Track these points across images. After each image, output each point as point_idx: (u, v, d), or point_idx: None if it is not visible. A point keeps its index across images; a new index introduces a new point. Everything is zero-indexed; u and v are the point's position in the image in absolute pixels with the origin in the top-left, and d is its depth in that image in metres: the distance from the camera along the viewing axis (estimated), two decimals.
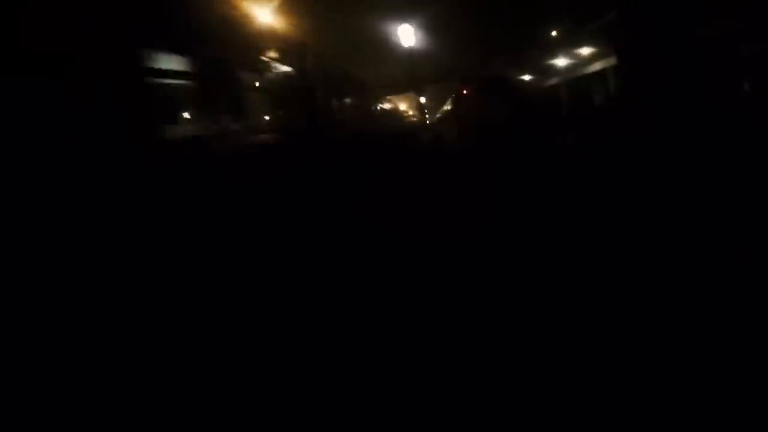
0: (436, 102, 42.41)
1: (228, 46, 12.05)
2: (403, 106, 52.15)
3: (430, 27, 25.34)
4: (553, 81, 27.30)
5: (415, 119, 47.39)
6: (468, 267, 5.15)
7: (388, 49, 25.99)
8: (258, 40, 14.35)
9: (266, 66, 15.20)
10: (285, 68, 16.67)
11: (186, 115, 10.15)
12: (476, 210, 6.07)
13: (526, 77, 26.70)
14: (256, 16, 14.06)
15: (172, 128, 9.01)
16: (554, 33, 26.36)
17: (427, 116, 41.99)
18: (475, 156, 6.66)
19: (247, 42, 13.56)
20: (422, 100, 40.19)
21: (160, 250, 5.51)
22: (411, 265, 5.49)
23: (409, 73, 27.52)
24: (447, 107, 31.03)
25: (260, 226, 7.01)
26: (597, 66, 23.87)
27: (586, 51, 23.46)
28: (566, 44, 24.74)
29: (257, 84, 14.47)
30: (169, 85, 9.18)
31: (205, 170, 7.90)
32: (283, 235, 6.85)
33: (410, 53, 22.46)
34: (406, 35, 21.84)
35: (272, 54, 15.59)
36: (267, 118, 15.09)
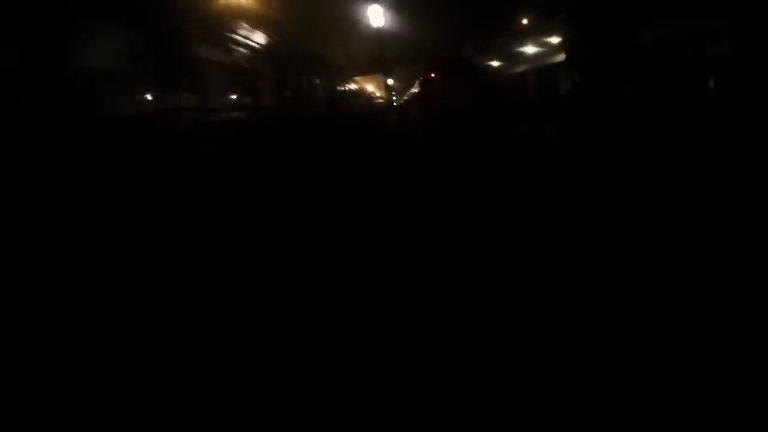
0: (403, 84, 42.36)
1: (188, 18, 11.79)
2: (370, 88, 51.92)
3: (400, 8, 25.21)
4: (521, 68, 27.39)
5: (382, 100, 47.32)
6: (431, 252, 5.11)
7: (356, 29, 25.83)
8: (221, 14, 14.08)
9: (230, 42, 14.92)
10: (251, 44, 16.42)
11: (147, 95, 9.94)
12: (439, 193, 6.04)
13: (495, 63, 26.78)
14: None
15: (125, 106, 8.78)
16: (524, 21, 26.45)
17: (394, 98, 41.96)
18: (439, 139, 6.62)
19: (209, 15, 13.29)
20: (389, 81, 40.13)
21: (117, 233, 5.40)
22: (375, 248, 5.45)
23: (378, 54, 27.40)
24: (414, 89, 31.03)
25: (223, 208, 6.88)
26: (562, 56, 23.89)
27: (555, 40, 23.55)
28: (536, 32, 24.83)
29: (220, 61, 14.20)
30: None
31: (162, 149, 7.70)
32: (245, 219, 6.75)
33: (379, 34, 22.31)
34: (376, 15, 21.69)
35: (237, 29, 15.32)
36: (232, 96, 14.86)
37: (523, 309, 3.68)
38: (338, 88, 30.21)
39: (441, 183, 6.21)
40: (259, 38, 16.69)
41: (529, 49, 26.29)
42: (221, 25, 14.15)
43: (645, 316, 3.40)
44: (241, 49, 15.77)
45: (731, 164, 5.55)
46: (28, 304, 4.11)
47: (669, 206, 4.85)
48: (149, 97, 9.88)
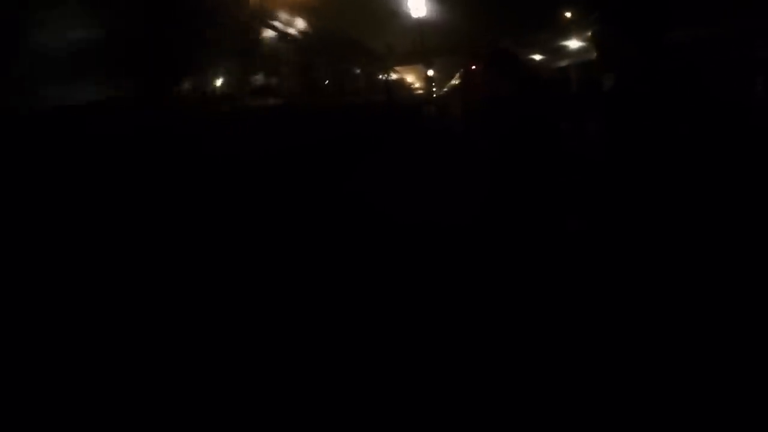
0: (443, 75, 42.16)
1: (230, 5, 11.82)
2: (410, 78, 51.79)
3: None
4: (563, 63, 27.05)
5: (421, 91, 47.12)
6: (465, 244, 5.09)
7: (397, 18, 25.75)
8: (263, 1, 14.10)
9: (272, 29, 14.95)
10: (292, 32, 16.43)
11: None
12: (477, 185, 5.99)
13: (537, 57, 26.49)
14: None
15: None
16: (567, 14, 26.12)
17: (434, 89, 41.75)
18: (478, 131, 6.56)
19: (251, 3, 13.32)
20: (430, 72, 39.95)
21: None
22: (410, 239, 5.45)
23: (418, 44, 27.29)
24: (454, 81, 30.88)
25: (257, 194, 6.89)
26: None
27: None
28: (578, 27, 24.50)
29: (262, 48, 14.23)
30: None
31: (199, 134, 7.71)
32: (279, 205, 6.75)
33: (420, 24, 22.20)
34: (417, 5, 21.56)
35: (279, 17, 15.35)
36: (274, 83, 14.86)
37: (556, 305, 3.65)
38: (379, 77, 30.16)
39: (479, 176, 6.15)
40: (300, 26, 16.72)
41: (572, 44, 25.95)
42: (263, 12, 14.17)
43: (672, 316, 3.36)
44: (283, 37, 15.80)
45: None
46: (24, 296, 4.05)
47: (705, 206, 4.75)
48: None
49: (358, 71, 26.36)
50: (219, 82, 11.18)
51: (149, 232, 5.29)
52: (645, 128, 3.15)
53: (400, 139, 16.08)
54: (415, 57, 32.90)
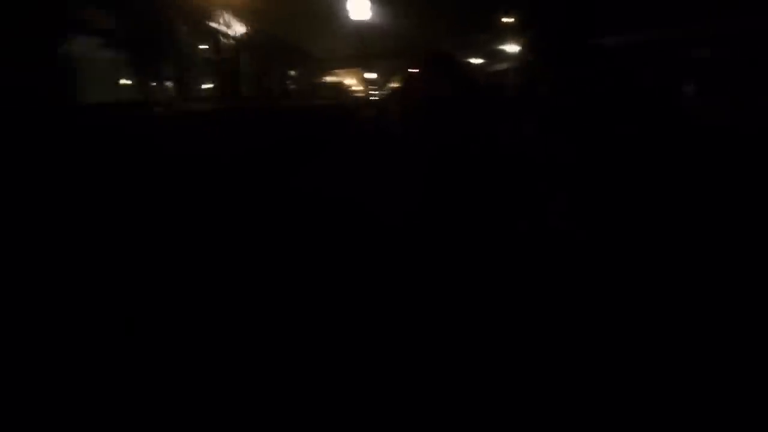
0: (382, 78, 42.24)
1: (169, 6, 11.55)
2: (349, 81, 51.73)
3: (381, 1, 25.08)
4: (502, 66, 27.35)
5: (361, 94, 47.17)
6: (403, 244, 5.09)
7: (337, 21, 25.63)
8: (202, 2, 13.85)
9: (210, 31, 14.70)
10: (230, 34, 16.19)
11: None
12: (414, 187, 6.03)
13: (476, 60, 26.73)
14: None
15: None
16: (506, 19, 26.39)
17: (373, 92, 41.77)
18: (416, 134, 6.56)
19: (190, 4, 13.04)
20: (369, 75, 39.97)
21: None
22: (350, 240, 5.44)
23: (358, 47, 27.25)
24: (393, 84, 30.99)
25: (197, 198, 6.77)
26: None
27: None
28: (516, 31, 24.80)
29: (200, 50, 13.97)
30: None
31: (139, 139, 7.51)
32: (219, 208, 6.66)
33: (359, 27, 22.12)
34: (357, 7, 21.46)
35: (217, 19, 15.09)
36: (209, 86, 14.61)
37: (494, 304, 3.66)
38: (317, 80, 29.99)
39: (416, 177, 6.17)
40: (239, 28, 16.49)
41: (510, 48, 26.27)
42: (202, 14, 13.92)
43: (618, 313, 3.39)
44: (221, 39, 15.56)
45: (709, 162, 5.55)
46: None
47: (645, 204, 4.81)
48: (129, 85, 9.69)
49: (296, 75, 26.16)
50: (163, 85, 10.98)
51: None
52: (579, 129, 3.15)
53: (338, 142, 16.11)
54: (354, 60, 32.90)
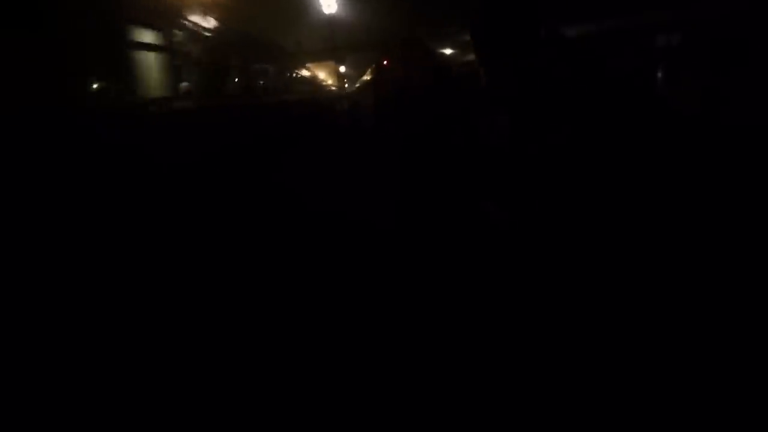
0: (355, 71, 42.20)
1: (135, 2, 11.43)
2: (322, 75, 51.62)
3: None
4: (472, 56, 27.42)
5: (334, 88, 47.07)
6: (379, 238, 5.11)
7: (309, 15, 25.55)
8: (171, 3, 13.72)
9: (179, 28, 14.56)
10: (200, 31, 16.07)
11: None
12: (388, 179, 6.04)
13: (447, 51, 26.83)
14: None
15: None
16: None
17: (346, 85, 41.73)
18: (390, 126, 6.56)
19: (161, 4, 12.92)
20: (342, 69, 39.92)
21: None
22: (324, 236, 5.43)
23: (330, 41, 27.18)
24: (366, 77, 30.99)
25: (173, 195, 6.75)
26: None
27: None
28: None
29: (168, 47, 13.81)
30: None
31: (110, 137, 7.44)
32: (197, 205, 6.63)
33: (331, 20, 22.08)
34: (329, 2, 21.40)
35: (186, 15, 14.96)
36: (181, 84, 14.46)
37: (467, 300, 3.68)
38: (289, 74, 29.88)
39: (390, 169, 6.18)
40: (209, 24, 16.37)
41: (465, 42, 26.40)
42: (170, 10, 13.78)
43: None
44: (191, 36, 15.42)
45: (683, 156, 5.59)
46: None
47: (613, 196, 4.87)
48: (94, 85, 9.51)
49: (269, 69, 26.03)
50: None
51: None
52: (547, 121, 3.17)
53: (312, 136, 16.09)
54: (326, 54, 32.81)
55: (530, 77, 2.53)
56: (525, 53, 2.58)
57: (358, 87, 36.80)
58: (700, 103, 7.86)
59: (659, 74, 9.41)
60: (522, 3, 2.60)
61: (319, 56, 35.69)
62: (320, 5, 21.77)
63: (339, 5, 22.09)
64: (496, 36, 2.64)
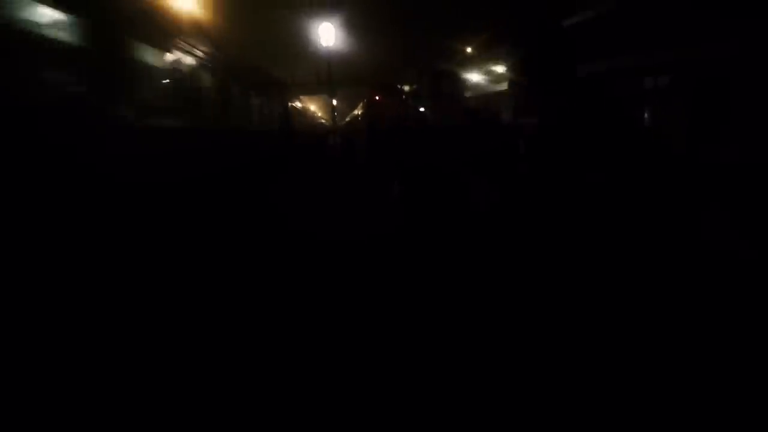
0: (346, 105, 42.35)
1: (133, 24, 11.48)
2: (313, 107, 51.86)
3: (349, 30, 25.30)
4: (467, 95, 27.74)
5: (324, 121, 47.16)
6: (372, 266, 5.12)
7: (305, 47, 25.76)
8: (168, 23, 13.82)
9: (177, 51, 14.66)
10: (198, 56, 16.20)
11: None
12: (382, 214, 6.07)
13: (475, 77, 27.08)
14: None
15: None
16: (468, 50, 26.87)
17: (337, 119, 41.82)
18: (381, 161, 6.65)
19: (156, 23, 13.00)
20: (334, 102, 40.04)
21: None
22: (316, 266, 5.39)
23: (324, 74, 27.36)
24: (357, 111, 31.11)
25: (160, 224, 6.68)
26: (506, 85, 24.45)
27: (498, 69, 24.05)
28: (479, 61, 25.25)
29: (166, 70, 13.91)
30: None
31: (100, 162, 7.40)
32: (186, 234, 6.57)
33: (327, 54, 22.25)
34: (326, 34, 21.54)
35: (184, 40, 15.08)
36: (176, 106, 14.49)
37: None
38: (283, 106, 30.00)
39: (379, 203, 6.23)
40: (206, 50, 16.48)
41: (473, 77, 26.72)
42: (168, 34, 13.88)
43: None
44: (188, 60, 15.54)
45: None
46: None
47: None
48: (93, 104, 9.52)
49: (263, 100, 26.19)
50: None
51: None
52: (575, 165, 3.24)
53: (303, 167, 16.05)
54: (319, 87, 32.95)
55: (569, 113, 2.63)
56: (565, 90, 2.68)
57: (348, 121, 36.97)
58: (685, 143, 8.01)
59: (646, 115, 9.60)
60: (565, 40, 2.72)
61: (312, 89, 35.90)
62: (317, 38, 21.91)
63: (335, 39, 22.27)
64: (548, 72, 2.74)
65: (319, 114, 52.74)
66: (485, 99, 27.11)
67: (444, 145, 4.89)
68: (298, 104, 38.10)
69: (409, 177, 4.94)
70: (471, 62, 26.19)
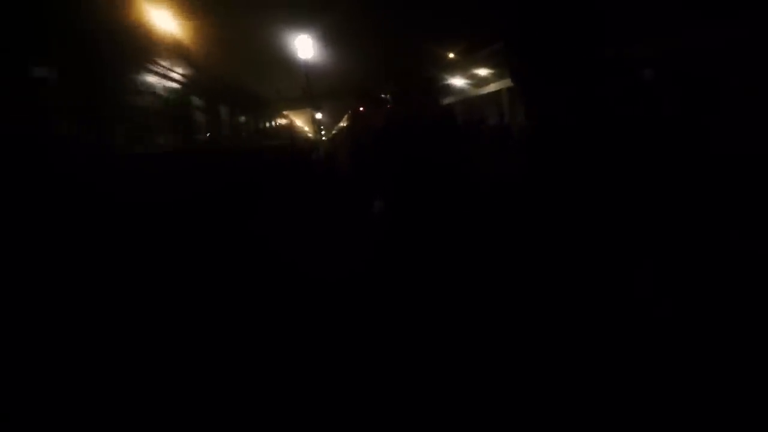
0: (331, 118, 42.44)
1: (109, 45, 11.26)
2: (299, 122, 51.85)
3: (328, 40, 25.23)
4: (450, 100, 27.85)
5: (310, 135, 47.26)
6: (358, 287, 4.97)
7: (285, 62, 25.66)
8: (144, 43, 13.62)
9: (153, 72, 14.45)
10: (175, 76, 15.98)
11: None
12: (364, 226, 5.98)
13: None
14: (144, 17, 13.38)
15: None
16: (451, 55, 26.87)
17: (322, 132, 41.87)
18: (366, 175, 6.49)
19: (131, 43, 12.79)
20: (318, 116, 40.04)
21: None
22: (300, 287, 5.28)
23: (306, 87, 27.28)
24: (342, 124, 31.14)
25: (141, 247, 6.53)
26: (491, 87, 24.53)
27: (481, 72, 24.04)
28: (462, 66, 25.27)
29: (142, 91, 13.65)
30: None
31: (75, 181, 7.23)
32: (168, 254, 6.45)
33: (307, 67, 22.10)
34: (304, 46, 21.40)
35: (160, 60, 14.87)
36: (155, 128, 14.29)
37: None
38: (266, 122, 29.90)
39: (364, 218, 6.12)
40: (183, 70, 16.30)
41: (456, 82, 26.80)
42: (143, 54, 13.66)
43: None
44: (165, 81, 15.33)
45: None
46: None
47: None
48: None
49: (245, 117, 26.03)
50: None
51: None
52: (588, 161, 2.97)
53: (288, 183, 16.10)
54: (303, 101, 32.93)
55: (592, 112, 2.17)
56: (583, 79, 2.19)
57: (334, 134, 37.00)
58: (675, 135, 7.85)
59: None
60: (573, 7, 2.10)
61: (295, 103, 35.84)
62: (296, 51, 21.75)
63: (314, 51, 22.12)
64: (538, 50, 2.27)
65: (305, 128, 52.81)
66: (469, 103, 27.16)
67: (428, 146, 4.69)
68: (283, 120, 38.02)
69: (395, 189, 4.73)
70: (455, 67, 26.22)
